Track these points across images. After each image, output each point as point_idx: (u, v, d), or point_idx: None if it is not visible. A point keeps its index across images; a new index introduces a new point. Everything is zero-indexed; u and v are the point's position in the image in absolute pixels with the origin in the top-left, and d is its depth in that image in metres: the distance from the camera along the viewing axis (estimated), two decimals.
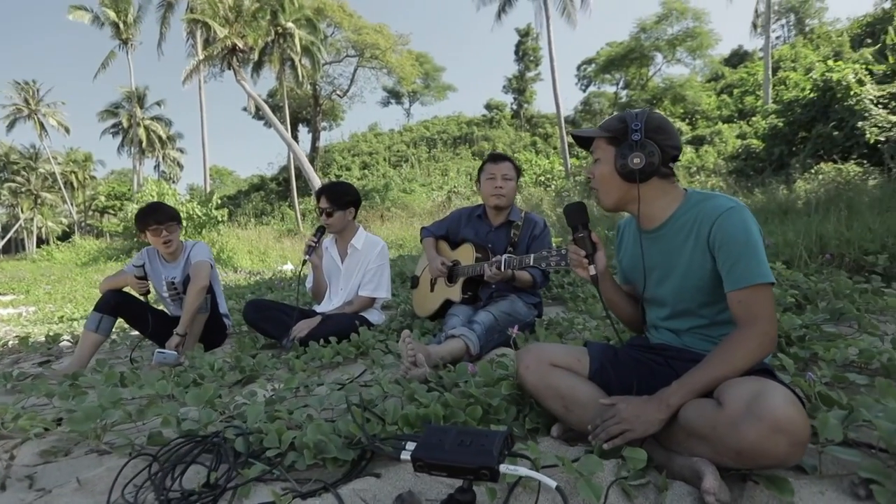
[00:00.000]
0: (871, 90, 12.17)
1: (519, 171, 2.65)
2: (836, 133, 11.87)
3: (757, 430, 0.97)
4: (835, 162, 11.10)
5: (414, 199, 20.13)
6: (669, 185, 1.38)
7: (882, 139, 10.97)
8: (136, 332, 3.06)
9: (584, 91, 35.43)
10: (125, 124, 33.90)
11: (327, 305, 2.84)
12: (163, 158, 37.25)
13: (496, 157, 2.66)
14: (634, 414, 1.17)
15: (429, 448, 1.01)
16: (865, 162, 10.80)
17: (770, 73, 17.95)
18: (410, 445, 1.03)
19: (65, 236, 46.57)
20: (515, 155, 30.56)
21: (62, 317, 5.27)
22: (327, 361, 2.20)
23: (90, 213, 45.34)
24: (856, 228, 3.24)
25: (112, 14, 26.07)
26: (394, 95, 39.35)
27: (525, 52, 35.41)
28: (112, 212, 45.04)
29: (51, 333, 3.62)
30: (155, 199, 14.10)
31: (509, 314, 2.32)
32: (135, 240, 14.65)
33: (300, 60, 23.94)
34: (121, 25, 26.89)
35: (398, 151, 34.76)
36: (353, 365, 2.25)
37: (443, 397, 1.47)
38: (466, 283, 2.53)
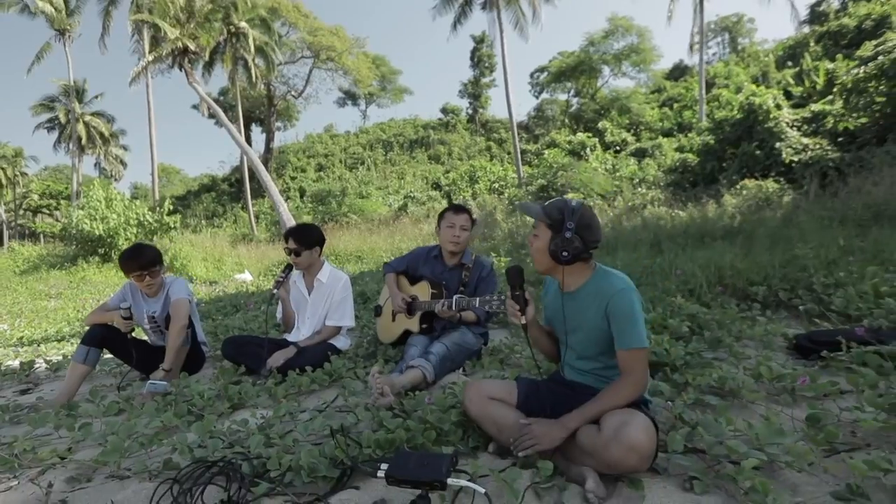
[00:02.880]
0: (787, 114, 13.49)
1: (474, 222, 3.06)
2: (758, 152, 13.06)
3: (618, 450, 1.46)
4: (757, 178, 12.24)
5: (371, 206, 20.33)
6: (586, 264, 1.82)
7: (796, 159, 12.23)
8: (120, 361, 3.28)
9: (538, 97, 36.60)
10: (62, 119, 32.11)
11: (297, 334, 3.18)
12: (104, 156, 35.50)
13: (457, 209, 3.04)
14: (542, 432, 1.63)
15: (397, 468, 1.43)
16: (782, 179, 12.00)
17: (704, 91, 19.38)
18: (384, 466, 1.44)
19: None
20: (471, 160, 31.25)
21: (21, 339, 5.29)
22: (305, 389, 2.57)
23: (21, 212, 42.52)
24: (746, 261, 3.91)
25: (44, 4, 24.68)
26: (350, 97, 39.18)
27: (480, 59, 36.13)
28: (47, 211, 42.45)
29: (22, 360, 3.76)
30: (102, 204, 13.70)
31: (459, 344, 2.77)
32: (76, 245, 14.14)
33: (254, 60, 23.59)
34: (54, 15, 25.50)
35: (354, 154, 34.69)
36: (328, 391, 2.63)
37: (405, 423, 1.89)
38: (423, 316, 2.95)
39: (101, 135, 33.20)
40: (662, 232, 6.44)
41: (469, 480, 1.43)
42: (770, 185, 11.67)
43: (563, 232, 1.69)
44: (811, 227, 4.84)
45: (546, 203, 1.80)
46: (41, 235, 36.32)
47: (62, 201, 40.37)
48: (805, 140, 12.56)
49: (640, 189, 15.34)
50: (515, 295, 1.85)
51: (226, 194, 30.55)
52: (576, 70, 29.08)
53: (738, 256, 4.15)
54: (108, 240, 13.38)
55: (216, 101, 28.55)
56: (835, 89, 14.10)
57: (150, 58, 17.70)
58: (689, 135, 19.04)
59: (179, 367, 2.99)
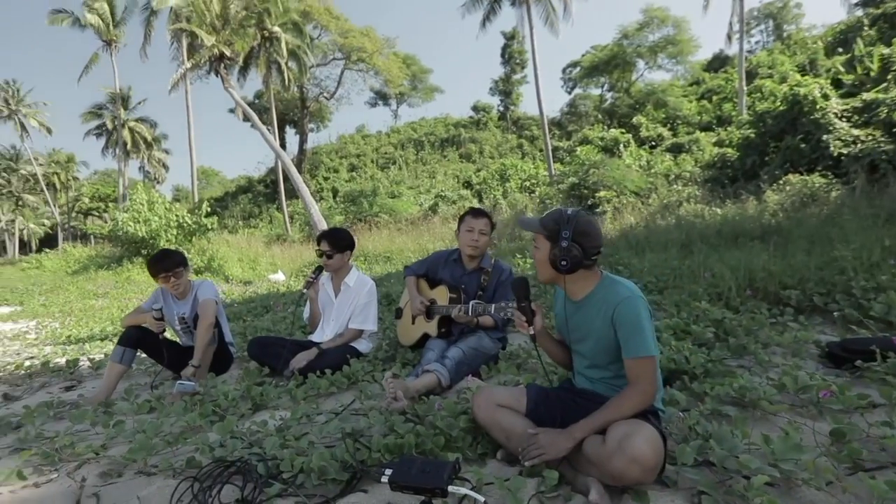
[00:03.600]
0: (835, 105, 12.80)
1: (493, 226, 3.07)
2: (803, 145, 12.46)
3: (621, 461, 1.44)
4: (801, 173, 11.68)
5: (401, 206, 20.50)
6: (590, 272, 1.82)
7: (845, 152, 11.60)
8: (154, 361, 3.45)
9: (570, 93, 36.06)
10: (109, 126, 33.75)
11: (320, 335, 3.27)
12: (147, 160, 37.14)
13: (476, 213, 3.04)
14: (549, 442, 1.63)
15: (400, 473, 1.45)
16: (830, 174, 11.40)
17: (744, 83, 18.62)
18: (388, 471, 1.47)
19: (48, 238, 46.15)
20: (502, 158, 31.07)
21: (69, 337, 5.62)
22: (324, 391, 2.64)
23: (74, 214, 44.95)
24: (780, 263, 3.74)
25: (93, 17, 26.00)
26: (381, 97, 39.61)
27: (511, 55, 35.87)
28: (96, 213, 44.74)
29: (69, 358, 3.99)
30: (144, 207, 14.33)
31: (476, 349, 2.78)
32: (121, 246, 14.83)
33: (287, 64, 24.15)
34: (103, 28, 26.84)
35: (386, 153, 35.06)
36: (346, 393, 2.69)
37: (415, 428, 1.92)
38: (441, 319, 2.98)
39: (145, 140, 34.74)
40: (695, 231, 6.23)
41: (472, 488, 1.44)
42: (816, 179, 11.11)
43: (560, 241, 1.71)
44: (855, 226, 4.59)
45: (544, 214, 1.83)
46: (91, 237, 38.35)
47: (110, 204, 42.48)
48: (855, 131, 11.90)
49: (675, 186, 14.90)
50: (522, 306, 1.87)
51: (261, 195, 31.42)
52: (609, 64, 28.46)
53: (771, 258, 3.99)
54: (151, 241, 13.99)
55: (251, 104, 29.42)
56: (889, 76, 13.27)
57: (189, 65, 18.38)
58: (729, 128, 18.35)
59: (207, 365, 3.11)
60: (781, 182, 11.76)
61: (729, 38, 20.07)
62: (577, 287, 1.84)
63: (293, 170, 17.18)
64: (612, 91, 31.78)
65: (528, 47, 34.05)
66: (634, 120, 25.27)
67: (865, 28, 24.13)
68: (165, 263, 3.10)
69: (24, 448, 2.22)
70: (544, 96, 19.76)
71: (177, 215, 14.29)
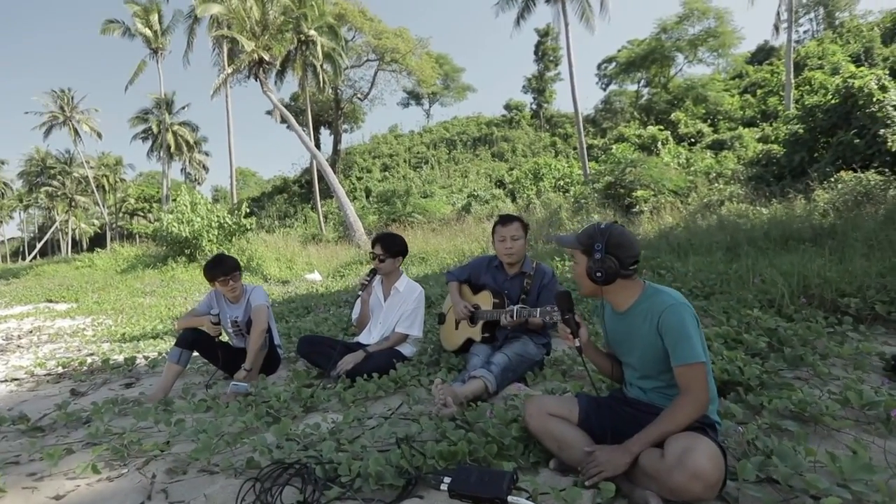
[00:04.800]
0: (894, 96, 12.12)
1: (527, 228, 3.07)
2: (857, 141, 11.84)
3: (681, 476, 1.42)
4: (855, 170, 11.11)
5: (434, 205, 20.60)
6: (630, 282, 1.83)
7: None
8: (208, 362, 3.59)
9: (605, 90, 35.42)
10: (155, 130, 35.20)
11: (367, 337, 3.34)
12: (189, 162, 38.55)
13: (505, 220, 3.05)
14: (607, 459, 1.62)
15: (460, 483, 1.49)
16: (887, 170, 10.79)
17: (791, 76, 17.85)
18: (447, 479, 1.51)
19: (97, 237, 48.53)
20: (535, 157, 30.79)
21: (124, 334, 5.91)
22: (372, 395, 2.69)
23: (121, 214, 47.09)
24: (838, 268, 3.58)
25: (142, 27, 27.18)
26: (413, 97, 39.89)
27: (544, 53, 35.48)
28: (141, 213, 46.78)
29: (126, 356, 4.21)
30: (188, 208, 14.88)
31: (521, 355, 2.78)
32: (165, 246, 15.44)
33: (322, 66, 24.61)
34: (150, 36, 28.04)
35: (418, 153, 35.29)
36: (393, 397, 2.74)
37: (467, 435, 1.95)
38: (485, 325, 2.99)
39: (187, 142, 36.07)
40: (740, 233, 6.03)
41: (529, 499, 1.45)
42: (871, 177, 10.53)
43: (594, 254, 1.76)
44: None
45: (579, 231, 1.89)
46: (136, 236, 40.12)
47: (154, 204, 44.31)
48: None
49: (716, 184, 14.43)
50: (566, 319, 1.90)
51: (296, 195, 32.14)
52: (646, 59, 27.79)
53: (828, 263, 3.82)
54: (194, 241, 14.54)
55: (287, 106, 30.10)
56: None
57: (230, 70, 18.97)
58: (775, 123, 17.64)
59: (258, 368, 3.23)
60: (833, 180, 11.21)
61: (776, 28, 19.26)
62: (619, 298, 1.86)
63: (328, 170, 17.52)
64: (648, 87, 31.06)
65: (562, 44, 33.74)
66: (673, 116, 24.62)
67: None
68: (224, 268, 3.22)
69: (96, 443, 2.36)
70: (578, 93, 19.47)
71: (217, 216, 14.78)
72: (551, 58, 35.33)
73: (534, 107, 37.35)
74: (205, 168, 40.11)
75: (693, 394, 1.63)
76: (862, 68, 15.95)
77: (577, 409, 1.89)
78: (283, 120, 21.05)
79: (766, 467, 1.61)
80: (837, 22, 32.82)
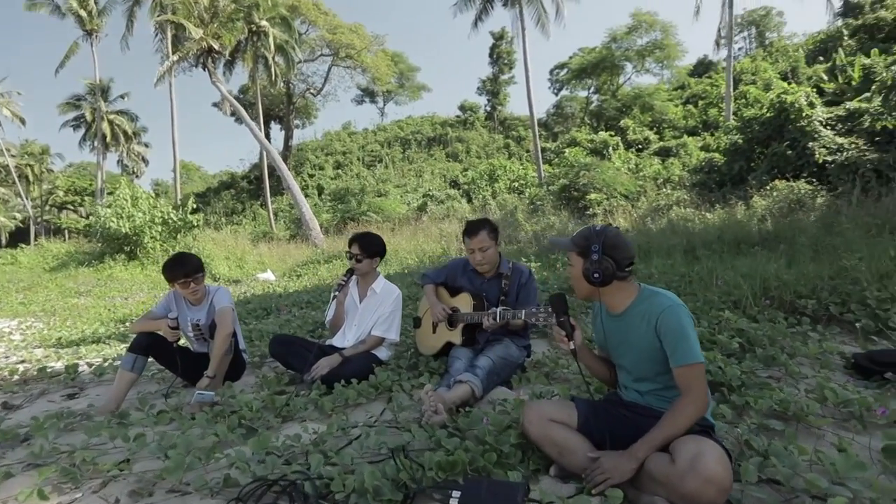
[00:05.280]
0: (820, 113, 13.09)
1: (497, 233, 2.95)
2: (789, 152, 12.69)
3: (695, 482, 1.41)
4: (788, 180, 11.91)
5: (390, 205, 20.36)
6: (626, 283, 1.85)
7: (830, 160, 11.87)
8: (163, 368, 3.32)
9: (557, 94, 36.32)
10: (88, 118, 32.81)
11: (342, 340, 3.19)
12: (126, 153, 36.20)
13: (472, 231, 2.89)
14: (613, 466, 1.60)
15: (470, 497, 1.42)
16: (815, 181, 11.64)
17: (731, 89, 18.95)
18: (456, 494, 1.43)
19: (18, 232, 44.58)
20: (489, 158, 31.11)
21: (60, 339, 5.41)
22: (352, 402, 2.56)
23: (47, 207, 43.60)
24: (793, 272, 3.80)
25: (76, 5, 25.24)
26: (368, 94, 39.36)
27: (499, 55, 35.95)
28: (71, 207, 43.46)
29: (66, 363, 3.83)
30: (128, 202, 13.96)
31: (505, 358, 2.73)
32: (102, 243, 14.43)
33: (274, 58, 23.81)
34: (84, 16, 26.05)
35: (372, 151, 34.84)
36: (374, 403, 2.62)
37: (463, 444, 1.87)
38: (465, 327, 2.93)
39: (125, 132, 33.84)
40: (696, 237, 6.30)
41: None
42: (802, 186, 11.32)
43: (591, 255, 1.77)
44: (856, 235, 4.68)
45: (574, 234, 1.89)
46: (66, 232, 37.18)
47: (86, 198, 41.30)
48: (840, 140, 12.17)
49: (664, 189, 15.07)
50: (561, 322, 1.89)
51: (245, 191, 30.91)
52: (598, 67, 28.72)
53: (782, 266, 4.04)
54: (134, 238, 13.63)
55: (236, 98, 28.90)
56: (873, 87, 13.59)
57: (176, 57, 17.94)
58: (716, 134, 18.65)
59: (223, 374, 3.01)
60: (769, 188, 11.96)
61: (717, 44, 20.40)
62: (615, 300, 1.87)
63: (283, 166, 16.91)
64: (598, 93, 32.08)
65: (517, 48, 34.27)
66: (622, 123, 25.54)
67: (845, 38, 24.82)
68: (185, 268, 2.97)
69: (41, 464, 2.11)
70: (533, 98, 19.82)
71: (161, 211, 13.94)
72: (506, 61, 35.86)
73: (488, 109, 37.77)
74: (144, 160, 37.77)
75: (694, 394, 1.64)
76: (792, 85, 17.18)
77: (575, 414, 1.86)
78: (233, 112, 20.18)
79: (765, 468, 1.63)
80: (767, 42, 35.27)
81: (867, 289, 3.37)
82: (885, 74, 13.23)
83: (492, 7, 20.76)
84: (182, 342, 3.29)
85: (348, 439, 2.14)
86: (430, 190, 25.00)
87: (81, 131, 34.03)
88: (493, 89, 36.97)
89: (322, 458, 1.84)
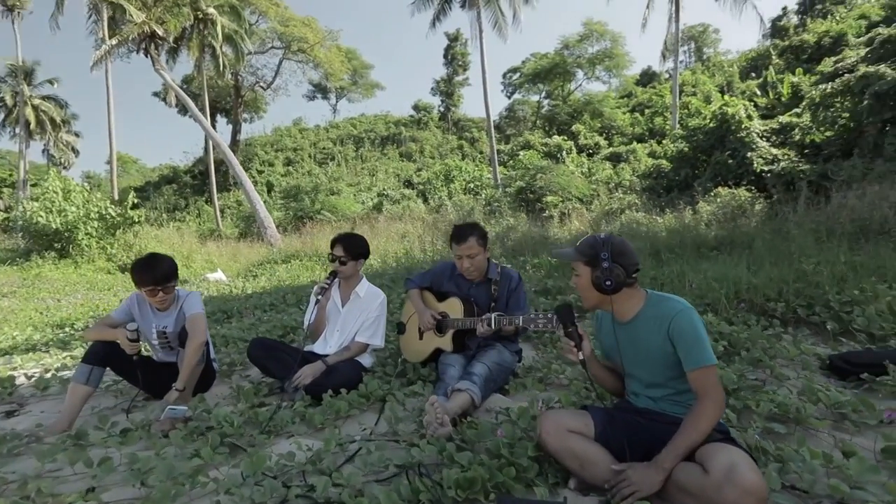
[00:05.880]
0: (757, 125, 13.98)
1: (486, 239, 2.86)
2: (730, 161, 13.44)
3: (734, 493, 1.39)
4: (730, 187, 12.61)
5: (344, 203, 19.91)
6: (634, 290, 1.86)
7: (766, 169, 12.69)
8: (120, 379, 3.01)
9: (509, 98, 36.88)
10: (9, 102, 30.04)
11: (323, 346, 3.01)
12: (54, 143, 33.42)
13: (459, 237, 2.80)
14: (641, 478, 1.56)
15: None
16: (754, 188, 12.40)
17: (678, 99, 19.91)
18: None
19: None
20: (443, 159, 31.15)
21: None
22: (344, 413, 2.40)
23: None
24: (760, 276, 3.97)
25: None
26: (320, 90, 38.42)
27: (454, 57, 36.09)
28: None
29: (0, 374, 3.41)
30: (59, 195, 12.84)
31: (499, 364, 2.66)
32: (28, 239, 13.20)
33: (222, 48, 22.72)
34: None
35: (324, 149, 34.03)
36: (366, 414, 2.48)
37: (477, 457, 1.78)
38: (456, 333, 2.83)
39: (52, 120, 31.24)
40: (659, 241, 6.51)
41: None
42: (742, 193, 12.01)
43: (601, 263, 1.76)
44: (807, 241, 4.98)
45: (577, 244, 1.89)
46: None
47: (5, 189, 37.80)
48: (774, 151, 13.03)
49: (616, 193, 15.58)
50: (569, 332, 1.86)
51: (188, 187, 29.32)
52: (551, 72, 29.39)
53: (746, 271, 4.21)
54: (66, 234, 12.54)
55: (179, 88, 27.34)
56: (804, 103, 14.64)
57: (114, 41, 16.70)
58: (664, 141, 19.51)
59: (193, 386, 2.76)
60: (713, 194, 12.62)
61: (664, 55, 21.36)
62: (624, 307, 1.86)
63: (235, 161, 16.09)
64: (549, 98, 32.83)
65: (471, 50, 34.51)
66: (574, 128, 26.25)
67: (774, 57, 26.71)
68: (155, 275, 2.66)
69: None
70: (489, 103, 20.00)
71: (98, 206, 12.92)
72: (460, 62, 36.07)
73: (442, 109, 37.81)
74: (74, 151, 35.00)
75: (712, 397, 1.64)
76: (733, 98, 18.25)
77: (592, 424, 1.81)
78: (178, 102, 19.07)
79: (785, 474, 1.64)
80: (705, 56, 37.45)
81: (828, 292, 3.56)
82: (813, 93, 14.32)
83: (450, 8, 20.77)
84: (144, 350, 3.00)
85: (346, 456, 2.00)
86: (384, 189, 24.68)
87: (0, 116, 31.11)
88: (447, 90, 37.05)
89: (328, 479, 1.69)
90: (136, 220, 13.57)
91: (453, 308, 2.88)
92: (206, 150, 27.31)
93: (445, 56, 36.12)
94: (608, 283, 1.76)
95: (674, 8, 19.10)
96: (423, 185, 24.47)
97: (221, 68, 22.99)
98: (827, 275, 3.83)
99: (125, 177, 38.36)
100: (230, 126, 31.01)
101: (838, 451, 1.80)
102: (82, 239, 12.42)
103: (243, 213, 20.61)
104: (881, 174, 9.52)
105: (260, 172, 29.69)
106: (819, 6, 33.85)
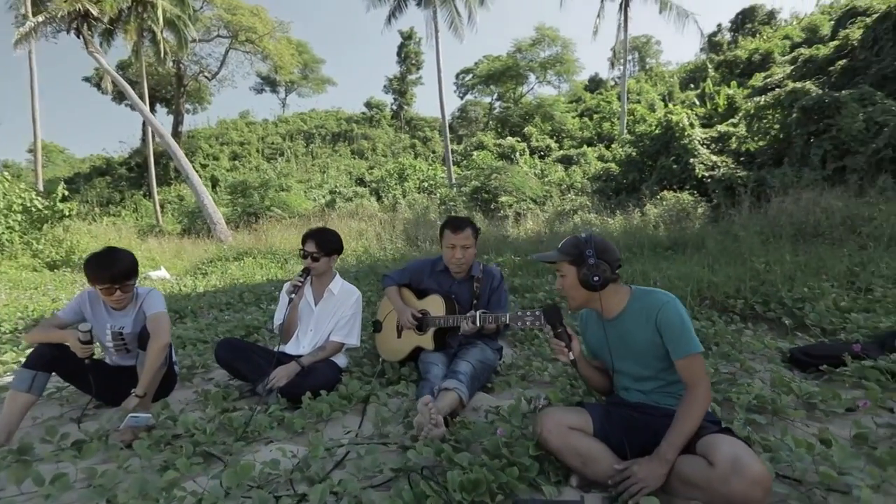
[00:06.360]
0: (698, 133, 14.79)
1: (477, 233, 2.85)
2: (675, 166, 14.14)
3: (743, 484, 1.41)
4: (675, 191, 13.25)
5: (295, 200, 19.31)
6: (618, 286, 1.90)
7: (707, 175, 13.43)
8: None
9: (462, 98, 37.10)
10: None
11: (296, 347, 2.86)
12: None
13: (456, 226, 2.79)
14: (647, 473, 1.57)
15: None
16: (696, 192, 13.09)
17: (626, 106, 20.72)
18: None
19: None
20: (395, 157, 30.91)
21: None
22: (326, 416, 2.28)
23: None
24: (719, 275, 4.18)
25: None
26: (269, 83, 37.15)
27: (407, 55, 35.90)
28: None
29: None
30: None
31: (483, 361, 2.62)
32: None
33: (163, 34, 21.47)
34: None
35: (273, 143, 32.93)
36: (349, 417, 2.36)
37: (478, 458, 1.73)
38: (437, 331, 2.77)
39: None
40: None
41: None
42: (686, 197, 12.65)
43: (587, 260, 1.79)
44: (755, 242, 5.29)
45: (559, 246, 1.90)
46: None
47: None
48: (714, 158, 13.80)
49: (569, 195, 16.00)
50: (558, 333, 1.87)
51: (124, 179, 27.45)
52: (504, 75, 29.80)
53: (706, 270, 4.41)
54: None
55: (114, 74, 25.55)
56: (740, 114, 15.58)
57: (40, 18, 15.34)
58: (613, 146, 20.24)
59: (153, 391, 2.54)
60: (659, 197, 13.22)
61: (612, 63, 22.18)
62: (611, 303, 1.89)
63: (181, 153, 15.15)
64: (500, 100, 33.30)
65: (425, 49, 34.48)
66: (526, 130, 26.74)
67: (710, 70, 28.36)
68: (112, 272, 2.39)
69: None
70: (437, 100, 20.04)
71: (22, 197, 11.82)
72: (413, 61, 35.92)
73: (394, 107, 37.53)
74: None
75: (701, 384, 1.69)
76: (677, 107, 19.22)
77: (590, 420, 1.81)
78: (115, 89, 17.82)
79: (776, 463, 1.69)
80: (648, 66, 39.27)
81: (781, 290, 3.78)
82: (748, 105, 15.33)
83: (406, 5, 20.62)
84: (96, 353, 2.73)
85: (335, 461, 1.89)
86: (336, 187, 24.16)
87: None
88: (400, 88, 36.82)
89: (324, 487, 1.58)
90: (67, 213, 12.53)
91: (435, 305, 2.82)
92: (144, 140, 25.73)
93: (399, 54, 35.87)
94: (596, 279, 1.78)
95: (623, 18, 19.87)
96: (376, 183, 24.14)
97: (162, 55, 21.71)
98: (779, 273, 4.07)
99: (51, 167, 35.47)
100: (171, 117, 29.37)
101: (815, 439, 1.88)
102: (3, 233, 11.32)
103: (186, 209, 19.54)
104: (809, 182, 10.34)
105: (204, 166, 28.26)
106: (749, 25, 36.38)
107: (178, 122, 27.94)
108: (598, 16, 20.66)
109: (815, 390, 2.24)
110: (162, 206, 22.04)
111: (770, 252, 4.92)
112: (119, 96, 27.71)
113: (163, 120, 31.67)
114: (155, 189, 21.55)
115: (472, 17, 20.13)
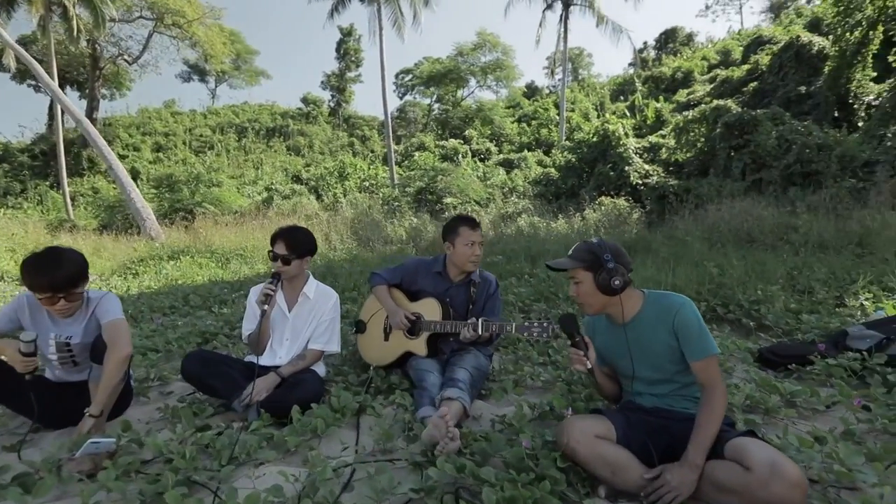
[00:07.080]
0: (632, 142, 15.62)
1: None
2: (611, 173, 14.82)
3: (783, 487, 1.42)
4: (612, 196, 13.87)
5: (228, 196, 18.25)
6: (633, 290, 1.92)
7: (640, 182, 14.20)
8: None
9: (401, 98, 36.88)
10: None
11: (272, 357, 2.61)
12: None
13: (474, 223, 2.78)
14: (679, 481, 1.55)
15: None
16: (631, 199, 13.79)
17: (564, 114, 21.48)
18: None
19: None
20: (332, 155, 30.17)
21: None
22: (322, 432, 2.08)
23: None
24: (679, 277, 4.37)
25: None
26: (197, 71, 35.01)
27: (346, 52, 35.17)
28: None
29: None
30: None
31: (478, 368, 2.53)
32: None
33: (75, 9, 19.55)
34: None
35: (201, 136, 31.00)
36: (343, 431, 2.17)
37: (505, 474, 1.64)
38: (431, 337, 2.65)
39: None
40: (569, 244, 6.88)
41: None
42: (622, 203, 13.28)
43: (605, 265, 1.79)
44: (703, 247, 5.61)
45: (570, 253, 1.89)
46: None
47: None
48: (647, 166, 14.63)
49: (511, 198, 16.30)
50: (577, 342, 1.86)
51: (26, 168, 24.64)
52: (445, 77, 29.94)
53: (667, 273, 4.59)
54: None
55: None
56: (670, 127, 16.60)
57: None
58: (553, 151, 20.86)
59: (109, 411, 2.22)
60: (597, 203, 13.79)
61: (552, 72, 22.94)
62: (627, 307, 1.89)
63: (101, 142, 13.72)
64: (439, 102, 33.46)
65: (365, 46, 33.93)
66: (467, 133, 27.01)
67: (639, 85, 30.13)
68: (55, 279, 2.03)
69: None
70: (375, 99, 19.88)
71: None
72: (353, 58, 35.26)
73: (332, 105, 36.64)
74: None
75: (719, 385, 1.72)
76: (613, 116, 20.19)
77: (612, 427, 1.78)
78: (17, 67, 15.94)
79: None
80: (581, 77, 41.06)
81: (736, 292, 4.01)
82: (677, 118, 16.41)
83: (349, 0, 20.14)
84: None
85: (342, 483, 1.73)
86: (271, 183, 23.14)
87: None
88: (338, 85, 35.99)
89: None
90: None
91: (430, 309, 2.70)
92: (51, 126, 23.30)
93: (338, 50, 35.06)
94: (616, 281, 1.78)
95: (563, 29, 20.60)
96: (314, 181, 23.37)
97: (75, 33, 19.74)
98: (732, 277, 4.32)
99: None
100: (84, 101, 26.74)
101: (810, 437, 1.96)
102: None
103: (104, 202, 17.85)
104: (731, 192, 11.21)
105: (123, 157, 25.99)
106: (671, 45, 39.13)
107: (92, 108, 25.49)
108: (540, 25, 21.29)
109: (797, 389, 2.35)
110: (73, 199, 20.02)
111: (716, 256, 5.22)
112: (21, 74, 24.90)
113: (75, 104, 28.87)
114: (65, 180, 19.50)
115: (416, 17, 20.03)
